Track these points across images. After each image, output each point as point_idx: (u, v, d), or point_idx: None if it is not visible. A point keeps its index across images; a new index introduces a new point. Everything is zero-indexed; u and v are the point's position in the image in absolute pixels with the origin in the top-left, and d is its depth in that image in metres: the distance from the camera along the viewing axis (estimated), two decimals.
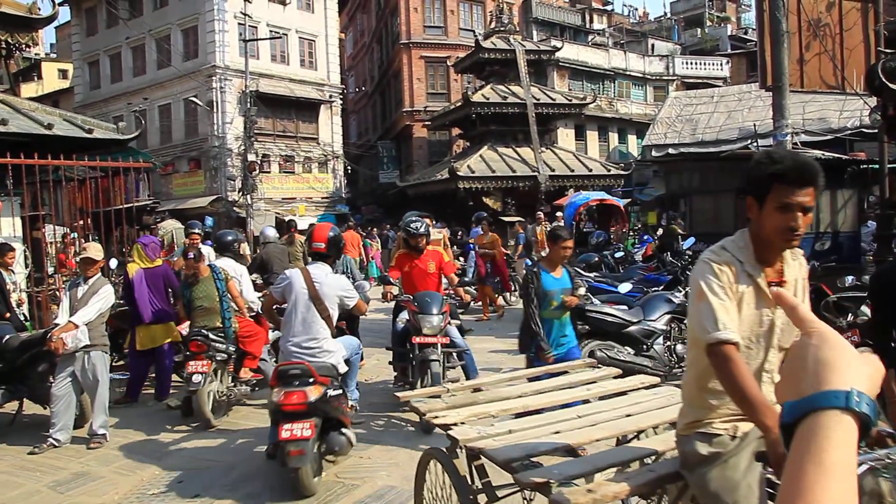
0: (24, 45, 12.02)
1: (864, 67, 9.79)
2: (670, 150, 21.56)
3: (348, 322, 7.56)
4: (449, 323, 7.07)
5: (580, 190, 25.61)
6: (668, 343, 7.70)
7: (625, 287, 9.89)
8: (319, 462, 5.23)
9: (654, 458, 3.20)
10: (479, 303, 14.00)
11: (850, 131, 17.37)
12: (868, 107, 10.63)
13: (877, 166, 11.78)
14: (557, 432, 3.33)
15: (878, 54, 9.74)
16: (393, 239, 19.74)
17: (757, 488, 2.44)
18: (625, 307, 8.15)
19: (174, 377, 8.32)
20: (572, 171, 26.88)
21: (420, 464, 3.83)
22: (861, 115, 16.07)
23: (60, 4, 28.11)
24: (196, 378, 6.64)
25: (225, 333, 7.14)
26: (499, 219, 24.44)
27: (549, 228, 5.90)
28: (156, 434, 6.72)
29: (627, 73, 39.62)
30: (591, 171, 27.38)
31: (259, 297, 7.98)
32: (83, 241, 10.59)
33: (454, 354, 6.99)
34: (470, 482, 3.39)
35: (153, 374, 8.17)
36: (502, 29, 29.00)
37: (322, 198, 34.13)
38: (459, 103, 28.46)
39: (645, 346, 7.53)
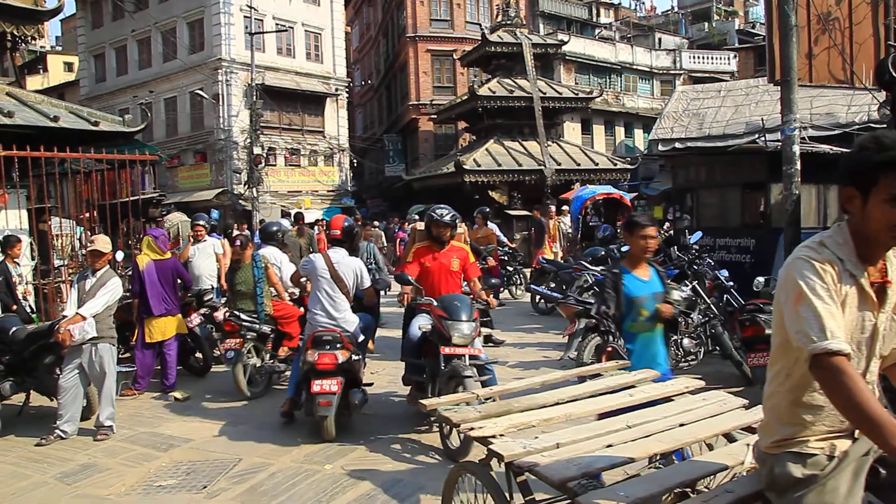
0: (29, 38, 12.06)
1: (874, 62, 9.71)
2: (677, 145, 21.43)
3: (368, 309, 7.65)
4: (480, 333, 6.35)
5: (586, 184, 25.53)
6: (675, 337, 7.67)
7: None
8: (342, 412, 6.14)
9: (724, 473, 2.93)
10: None
11: (858, 126, 17.26)
12: (877, 101, 10.54)
13: None
14: (610, 445, 3.03)
15: (889, 48, 9.66)
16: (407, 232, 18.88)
17: None
18: None
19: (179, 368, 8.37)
20: (578, 165, 26.80)
21: (449, 480, 3.48)
22: (869, 109, 15.95)
23: None
24: (229, 354, 7.58)
25: (258, 315, 7.82)
26: (505, 213, 24.41)
27: (626, 221, 5.02)
28: (162, 426, 6.74)
29: (634, 67, 39.46)
30: (597, 165, 27.29)
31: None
32: (89, 233, 10.61)
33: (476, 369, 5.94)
34: (508, 499, 3.10)
35: (158, 367, 8.19)
36: (509, 22, 28.90)
37: (328, 191, 34.15)
38: (466, 97, 28.38)
39: None
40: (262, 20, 30.57)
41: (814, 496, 2.17)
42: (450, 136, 36.23)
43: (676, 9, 55.72)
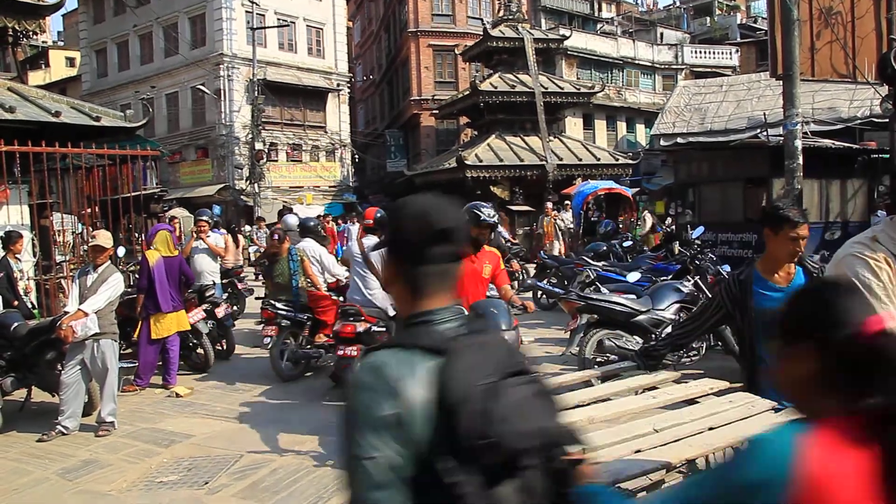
0: (31, 33, 12.04)
1: (876, 56, 9.69)
2: (679, 140, 21.45)
3: None
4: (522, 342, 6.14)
5: (588, 179, 25.50)
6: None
7: (633, 276, 9.83)
8: None
9: None
10: None
11: (860, 121, 17.25)
12: (879, 96, 10.53)
13: (887, 156, 11.70)
14: (638, 451, 2.88)
15: (891, 43, 9.64)
16: None
17: None
18: (633, 296, 8.11)
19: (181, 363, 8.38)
20: (580, 160, 26.76)
21: None
22: (871, 104, 15.93)
23: None
24: (266, 340, 8.18)
25: (293, 304, 8.37)
26: (507, 208, 24.39)
27: (768, 213, 3.52)
28: (164, 422, 6.74)
29: (636, 61, 39.40)
30: (599, 160, 27.24)
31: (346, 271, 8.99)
32: (90, 229, 10.61)
33: None
34: None
35: (160, 363, 8.19)
36: (511, 17, 28.83)
37: (329, 186, 34.14)
38: (467, 92, 28.33)
39: (653, 336, 7.48)
40: (263, 15, 30.56)
41: None
42: (451, 131, 36.19)
43: (678, 3, 55.59)
